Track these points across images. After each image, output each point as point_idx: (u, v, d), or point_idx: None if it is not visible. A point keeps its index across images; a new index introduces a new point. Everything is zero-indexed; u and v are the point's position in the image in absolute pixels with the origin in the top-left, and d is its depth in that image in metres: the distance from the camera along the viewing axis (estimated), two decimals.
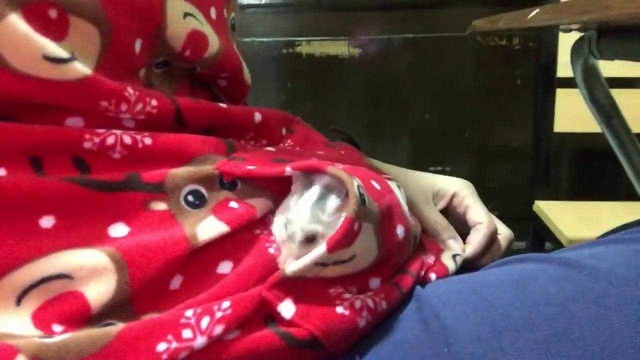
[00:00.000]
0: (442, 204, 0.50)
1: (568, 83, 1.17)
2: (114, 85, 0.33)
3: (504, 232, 0.49)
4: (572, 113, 1.19)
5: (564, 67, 1.17)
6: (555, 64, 1.18)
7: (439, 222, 0.48)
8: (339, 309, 0.32)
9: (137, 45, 0.35)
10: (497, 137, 1.44)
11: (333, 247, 0.31)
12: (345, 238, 0.31)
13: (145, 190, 0.34)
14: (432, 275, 0.39)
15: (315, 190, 0.35)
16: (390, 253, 0.35)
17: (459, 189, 0.49)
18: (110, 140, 0.34)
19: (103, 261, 0.31)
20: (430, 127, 1.44)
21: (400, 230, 0.36)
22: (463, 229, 0.48)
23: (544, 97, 1.23)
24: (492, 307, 0.32)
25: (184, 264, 0.32)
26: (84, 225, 0.32)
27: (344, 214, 0.32)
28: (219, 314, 0.31)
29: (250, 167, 0.36)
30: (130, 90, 0.34)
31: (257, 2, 1.37)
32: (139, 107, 0.35)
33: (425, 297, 0.34)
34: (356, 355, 0.32)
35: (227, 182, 0.36)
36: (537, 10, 0.50)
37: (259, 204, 0.36)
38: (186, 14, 0.38)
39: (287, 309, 0.31)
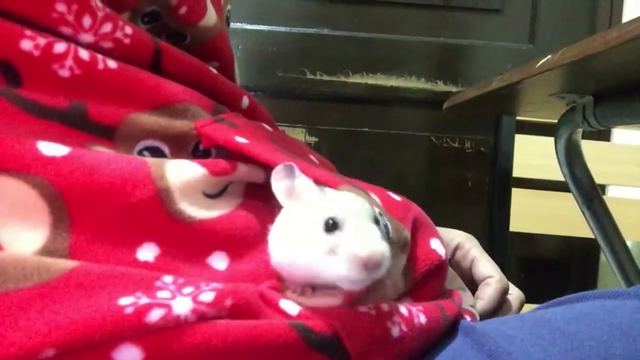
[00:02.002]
0: None
1: (523, 183, 1.18)
2: None
3: (515, 292, 0.43)
4: (526, 212, 1.18)
5: (518, 168, 1.18)
6: (511, 165, 1.20)
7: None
8: (362, 308, 0.24)
9: None
10: None
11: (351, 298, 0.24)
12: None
13: (88, 131, 0.25)
14: (467, 318, 0.32)
15: None
16: (427, 273, 0.28)
17: (463, 241, 0.44)
18: (60, 48, 0.25)
19: (30, 197, 0.21)
20: None
21: (435, 244, 0.29)
22: (468, 285, 0.42)
23: (499, 199, 1.23)
24: (575, 340, 0.25)
25: (159, 230, 0.23)
26: (0, 141, 0.23)
27: None
28: (206, 287, 0.22)
29: (240, 140, 0.28)
30: (98, 2, 0.26)
31: None
32: (107, 27, 0.26)
33: (480, 331, 0.27)
34: None
35: (202, 150, 0.28)
36: (548, 56, 0.48)
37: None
38: None
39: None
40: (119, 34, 0.27)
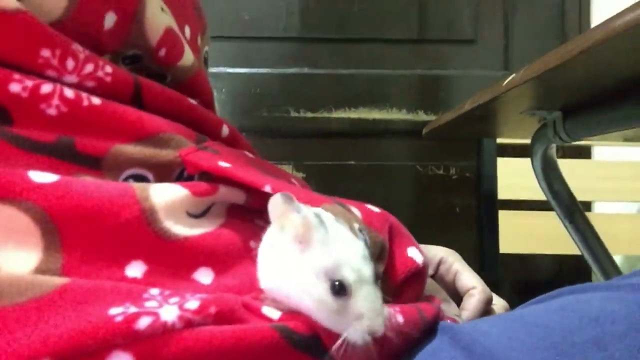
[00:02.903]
0: (429, 271, 0.45)
1: (510, 205, 1.20)
2: (57, 34, 0.27)
3: (500, 302, 0.44)
4: (516, 233, 1.20)
5: (504, 190, 1.21)
6: (496, 188, 1.22)
7: (429, 284, 0.43)
8: None
9: (109, 19, 0.30)
10: None
11: None
12: None
13: (76, 162, 0.27)
14: (448, 322, 0.33)
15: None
16: (405, 279, 0.30)
17: (445, 256, 0.45)
18: (46, 88, 0.26)
19: (23, 221, 0.23)
20: None
21: (412, 252, 0.31)
22: (453, 298, 0.44)
23: (487, 221, 1.25)
24: (547, 330, 0.26)
25: (146, 247, 0.25)
26: None
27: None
28: (191, 297, 0.23)
29: (223, 164, 0.29)
30: (78, 46, 0.28)
31: None
32: (89, 68, 0.28)
33: (458, 329, 0.28)
34: None
35: (186, 177, 0.30)
36: (513, 75, 0.50)
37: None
38: (162, 9, 0.34)
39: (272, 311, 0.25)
40: (100, 73, 0.28)
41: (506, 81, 0.49)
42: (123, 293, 0.23)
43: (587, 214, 1.29)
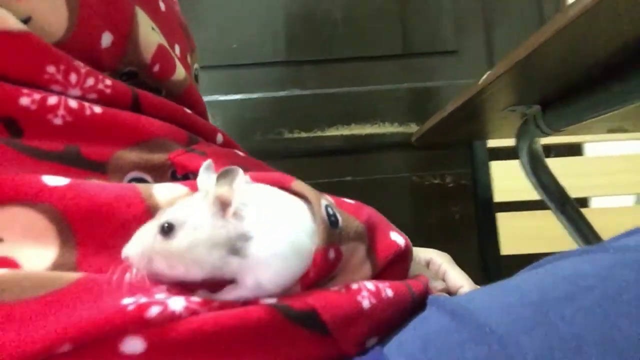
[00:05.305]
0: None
1: (509, 207, 1.22)
2: (60, 52, 0.29)
3: None
4: (517, 235, 1.21)
5: (502, 193, 1.22)
6: (491, 191, 1.24)
7: (414, 267, 0.45)
8: (334, 288, 0.28)
9: (106, 39, 0.32)
10: None
11: (309, 284, 0.28)
12: (323, 271, 0.28)
13: (84, 168, 0.29)
14: (435, 295, 0.35)
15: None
16: (390, 263, 0.31)
17: (434, 257, 0.47)
18: (53, 100, 0.29)
19: (40, 222, 0.25)
20: None
21: (394, 235, 0.33)
22: None
23: (485, 225, 1.26)
24: (525, 291, 0.28)
25: None
26: (11, 179, 0.26)
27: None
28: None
29: None
30: (79, 62, 0.30)
31: None
32: (91, 81, 0.30)
33: (444, 299, 0.30)
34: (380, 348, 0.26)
35: (180, 177, 0.32)
36: (488, 73, 0.52)
37: None
38: (153, 28, 0.37)
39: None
40: (100, 86, 0.31)
41: (482, 79, 0.52)
42: (134, 286, 0.25)
43: (585, 210, 1.31)
